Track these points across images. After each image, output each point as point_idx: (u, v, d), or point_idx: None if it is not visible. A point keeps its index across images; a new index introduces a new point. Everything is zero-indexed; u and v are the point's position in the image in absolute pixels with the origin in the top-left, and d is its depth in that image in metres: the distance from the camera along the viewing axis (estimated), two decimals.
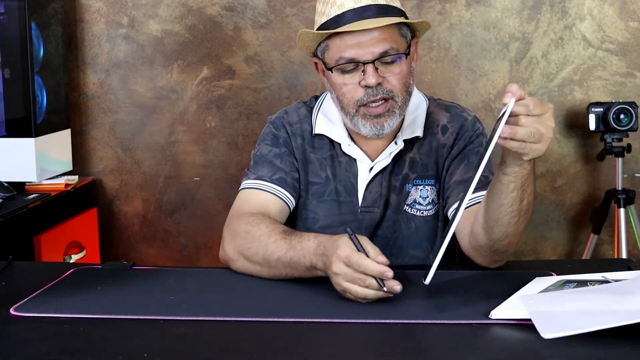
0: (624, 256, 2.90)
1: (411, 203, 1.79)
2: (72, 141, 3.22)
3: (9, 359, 1.24)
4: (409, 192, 1.79)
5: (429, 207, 1.79)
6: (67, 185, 3.03)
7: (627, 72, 3.12)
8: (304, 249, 1.52)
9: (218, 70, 3.25)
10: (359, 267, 1.39)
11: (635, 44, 3.11)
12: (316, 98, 1.89)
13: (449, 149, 1.79)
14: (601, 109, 2.96)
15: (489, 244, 1.55)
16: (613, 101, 2.99)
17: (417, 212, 1.79)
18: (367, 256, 1.41)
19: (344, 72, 1.70)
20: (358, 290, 1.41)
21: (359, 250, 1.42)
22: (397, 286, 1.40)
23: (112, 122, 3.33)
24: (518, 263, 2.51)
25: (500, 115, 1.39)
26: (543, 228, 3.23)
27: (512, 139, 1.38)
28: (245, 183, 1.80)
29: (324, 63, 1.74)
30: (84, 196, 3.20)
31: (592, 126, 2.97)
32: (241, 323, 1.36)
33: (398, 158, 1.80)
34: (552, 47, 3.13)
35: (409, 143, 1.80)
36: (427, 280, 1.37)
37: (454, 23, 3.15)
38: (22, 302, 1.47)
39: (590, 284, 1.42)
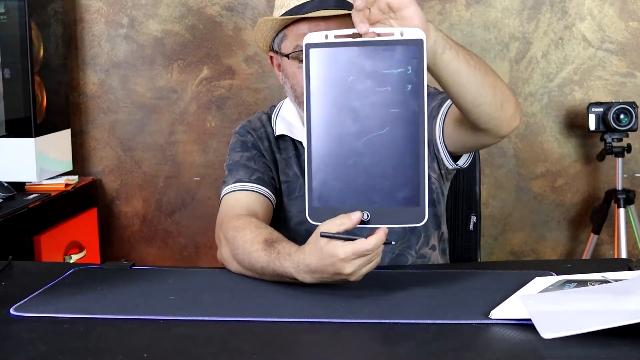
0: (624, 256, 2.90)
1: None
2: (72, 141, 3.22)
3: (9, 359, 1.24)
4: None
5: None
6: (67, 185, 3.03)
7: (627, 72, 3.12)
8: (284, 267, 1.50)
9: (218, 70, 3.25)
10: (369, 251, 1.39)
11: (635, 44, 3.11)
12: (274, 107, 1.94)
13: None
14: (601, 109, 2.96)
15: (490, 118, 1.58)
16: (613, 101, 2.99)
17: None
18: (351, 237, 1.40)
19: (299, 60, 1.75)
20: (375, 265, 1.43)
21: (345, 240, 1.40)
22: (386, 231, 1.40)
23: (112, 122, 3.33)
24: (518, 263, 2.52)
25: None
26: (543, 228, 3.23)
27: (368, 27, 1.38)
28: (226, 189, 1.82)
29: (279, 54, 1.80)
30: (84, 196, 3.20)
31: (592, 126, 2.97)
32: (241, 323, 1.36)
33: None
34: (552, 47, 3.13)
35: None
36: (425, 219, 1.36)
37: (454, 23, 3.15)
38: (22, 302, 1.47)
39: (590, 284, 1.42)
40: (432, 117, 1.77)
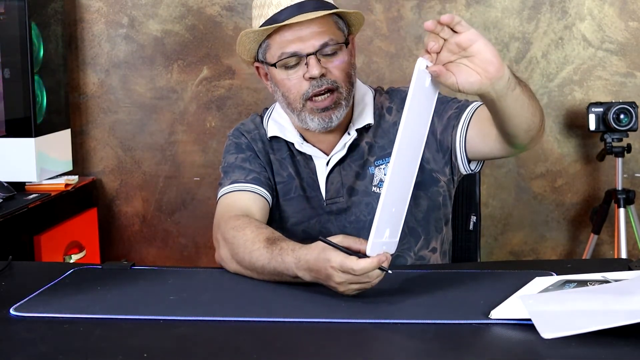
0: (624, 256, 2.90)
1: (378, 183, 1.82)
2: (72, 141, 3.22)
3: (9, 359, 1.24)
4: (373, 173, 1.83)
5: None
6: (67, 185, 3.03)
7: (627, 72, 3.12)
8: (285, 263, 1.51)
9: (218, 70, 3.25)
10: (357, 272, 1.39)
11: (635, 44, 3.11)
12: (267, 109, 1.95)
13: None
14: (601, 109, 2.96)
15: (531, 139, 1.62)
16: (613, 101, 2.99)
17: None
18: (351, 251, 1.41)
19: (287, 67, 1.75)
20: (367, 287, 1.42)
21: (341, 250, 1.42)
22: (388, 259, 1.42)
23: (112, 122, 3.33)
24: (518, 263, 2.52)
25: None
26: (543, 228, 3.23)
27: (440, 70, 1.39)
28: (223, 190, 1.82)
29: (265, 64, 1.79)
30: (84, 196, 3.20)
31: (592, 126, 2.97)
32: (241, 323, 1.36)
33: (354, 147, 1.84)
34: (552, 47, 3.13)
35: (362, 131, 1.85)
36: (369, 252, 1.39)
37: None
38: (22, 302, 1.47)
39: (590, 284, 1.42)
40: (452, 127, 1.78)
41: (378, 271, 1.41)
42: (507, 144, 1.65)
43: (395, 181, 1.38)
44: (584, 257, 3.06)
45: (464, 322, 1.32)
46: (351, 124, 1.84)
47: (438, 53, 1.41)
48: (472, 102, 1.78)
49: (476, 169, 1.83)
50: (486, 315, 1.32)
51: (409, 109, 1.36)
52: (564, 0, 3.11)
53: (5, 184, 2.79)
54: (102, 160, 3.35)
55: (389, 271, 1.42)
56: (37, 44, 2.97)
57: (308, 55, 1.72)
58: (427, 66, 1.39)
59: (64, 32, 3.19)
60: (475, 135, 1.74)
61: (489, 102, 1.50)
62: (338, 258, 1.40)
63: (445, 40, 1.40)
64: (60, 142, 3.11)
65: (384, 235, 1.41)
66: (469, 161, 1.80)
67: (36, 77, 2.95)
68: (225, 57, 3.24)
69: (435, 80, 1.40)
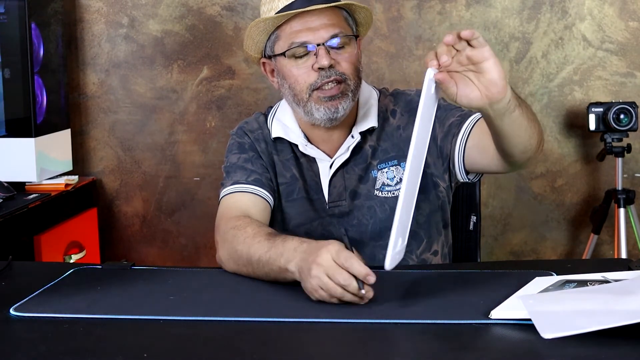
0: (624, 256, 2.90)
1: (380, 187, 1.82)
2: (72, 141, 3.22)
3: (9, 359, 1.24)
4: (376, 177, 1.83)
5: (398, 187, 1.81)
6: (67, 185, 3.03)
7: (627, 72, 3.12)
8: (285, 247, 1.50)
9: (218, 70, 3.26)
10: (346, 262, 1.38)
11: (635, 44, 3.11)
12: (271, 108, 1.94)
13: (408, 126, 1.82)
14: (601, 109, 2.96)
15: (528, 159, 1.63)
16: (613, 101, 2.99)
17: (387, 193, 1.82)
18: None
19: (296, 57, 1.76)
20: (336, 288, 1.39)
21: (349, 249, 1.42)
22: (370, 292, 1.39)
23: (112, 122, 3.33)
24: (518, 263, 2.52)
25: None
26: (543, 228, 3.23)
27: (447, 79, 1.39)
28: (224, 191, 1.82)
29: (273, 57, 1.79)
30: (84, 196, 3.20)
31: (592, 126, 2.97)
32: (241, 323, 1.36)
33: (358, 150, 1.84)
34: (552, 47, 3.13)
35: (366, 134, 1.84)
36: (388, 267, 1.36)
37: (454, 23, 3.15)
38: (22, 302, 1.47)
39: (590, 284, 1.42)
40: (452, 135, 1.78)
41: (355, 285, 1.37)
42: (503, 161, 1.65)
43: (408, 193, 1.38)
44: (584, 257, 3.06)
45: (464, 322, 1.32)
46: (355, 126, 1.83)
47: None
48: (474, 112, 1.78)
49: (474, 180, 1.83)
50: (486, 315, 1.32)
51: (421, 120, 1.36)
52: (564, 0, 3.11)
53: (5, 184, 2.79)
54: (102, 160, 3.35)
55: (362, 291, 1.38)
56: (37, 44, 2.97)
57: (318, 45, 1.73)
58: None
59: (64, 32, 3.19)
60: (474, 146, 1.74)
61: (486, 119, 1.51)
62: (340, 246, 1.40)
63: (457, 51, 1.40)
64: (60, 142, 3.11)
65: (398, 244, 1.39)
66: (467, 172, 1.80)
67: (36, 77, 2.95)
68: (225, 57, 3.24)
69: (437, 86, 1.41)
